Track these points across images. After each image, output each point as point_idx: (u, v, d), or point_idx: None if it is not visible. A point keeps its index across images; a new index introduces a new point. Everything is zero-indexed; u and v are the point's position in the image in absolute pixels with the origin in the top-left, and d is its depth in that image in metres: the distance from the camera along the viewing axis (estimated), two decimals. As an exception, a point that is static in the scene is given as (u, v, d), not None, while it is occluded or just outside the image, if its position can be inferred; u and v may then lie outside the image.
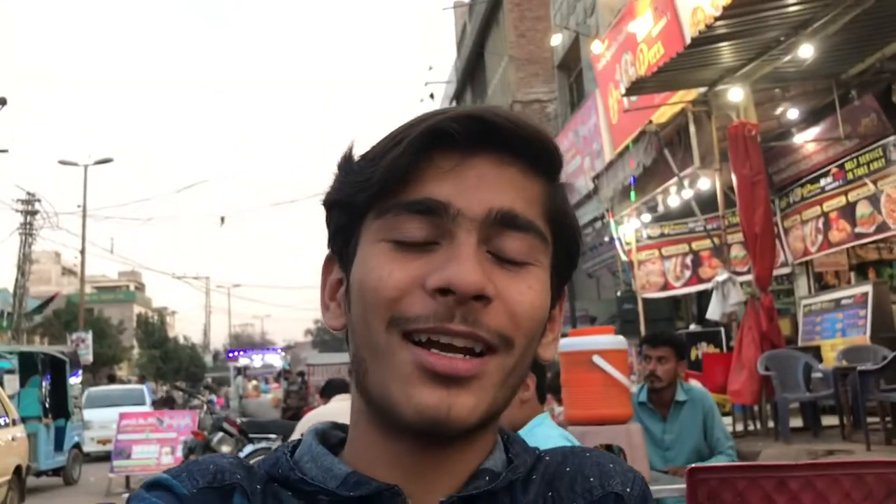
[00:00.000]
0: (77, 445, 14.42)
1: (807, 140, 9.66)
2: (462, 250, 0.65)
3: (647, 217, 11.85)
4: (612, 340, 3.09)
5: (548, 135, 0.70)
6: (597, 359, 3.00)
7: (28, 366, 13.68)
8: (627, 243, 12.08)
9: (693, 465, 1.98)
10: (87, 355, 25.30)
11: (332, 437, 0.76)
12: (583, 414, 3.05)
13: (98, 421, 16.52)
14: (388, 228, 0.67)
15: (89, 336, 27.65)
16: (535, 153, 0.69)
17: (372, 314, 0.66)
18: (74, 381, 15.06)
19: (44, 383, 13.89)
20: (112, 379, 25.94)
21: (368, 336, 0.66)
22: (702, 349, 10.08)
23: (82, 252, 29.98)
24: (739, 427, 8.49)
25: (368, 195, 0.68)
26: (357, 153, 0.72)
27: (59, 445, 13.58)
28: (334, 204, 0.73)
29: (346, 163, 0.72)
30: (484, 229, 0.66)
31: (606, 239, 12.99)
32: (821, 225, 9.94)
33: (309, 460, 0.71)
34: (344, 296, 0.72)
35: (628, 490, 0.72)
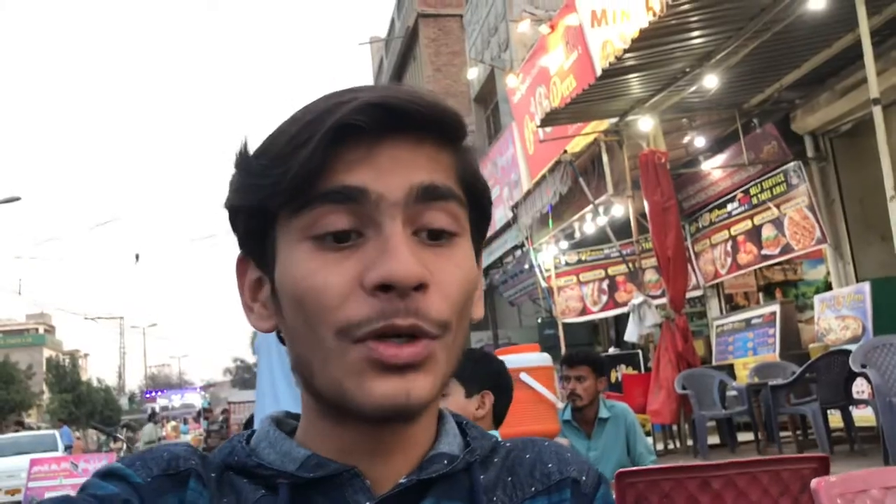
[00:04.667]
0: (-16, 497, 13.74)
1: (713, 167, 10.08)
2: (393, 241, 0.64)
3: (564, 244, 12.12)
4: (538, 358, 3.19)
5: (451, 108, 0.70)
6: (524, 376, 3.08)
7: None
8: (546, 270, 12.31)
9: (621, 470, 2.06)
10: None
11: (286, 424, 0.76)
12: (512, 431, 3.11)
13: (6, 470, 15.75)
14: (307, 225, 0.65)
15: (-6, 382, 26.45)
16: (442, 127, 0.68)
17: (317, 324, 0.65)
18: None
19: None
20: (21, 425, 24.83)
21: (315, 342, 0.66)
22: (621, 371, 10.32)
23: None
24: (660, 446, 8.70)
25: (281, 200, 0.66)
26: (252, 148, 0.70)
27: (-36, 497, 12.92)
28: (243, 209, 0.70)
29: (245, 161, 0.69)
30: (407, 210, 0.66)
31: (526, 266, 13.20)
32: (729, 248, 10.34)
33: (266, 446, 0.71)
34: (270, 298, 0.71)
35: (584, 478, 0.74)
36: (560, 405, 3.47)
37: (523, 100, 12.46)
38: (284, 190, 0.65)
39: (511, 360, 3.18)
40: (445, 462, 0.70)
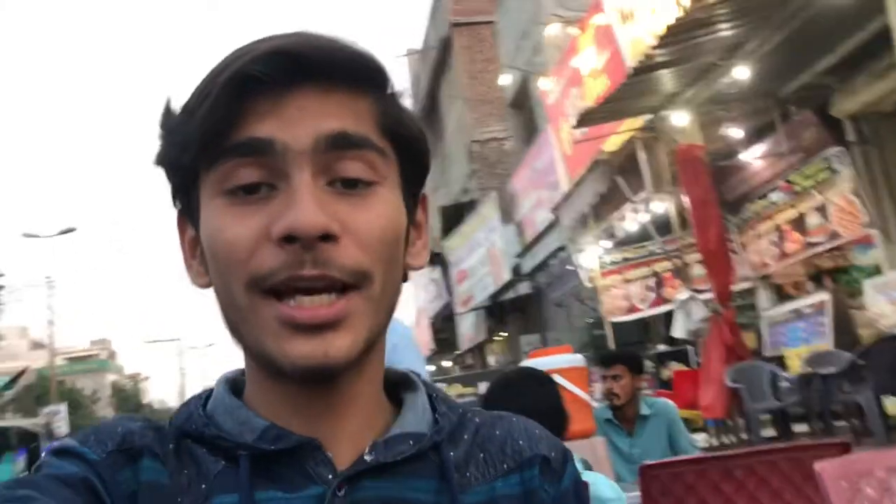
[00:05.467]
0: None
1: (753, 157, 9.97)
2: (297, 191, 0.63)
3: (607, 243, 12.08)
4: (570, 359, 3.24)
5: (362, 50, 0.67)
6: (557, 377, 3.13)
7: (1, 442, 13.54)
8: (591, 270, 12.29)
9: (644, 463, 2.11)
10: (62, 428, 24.88)
11: (241, 382, 0.74)
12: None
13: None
14: (219, 180, 0.65)
15: (63, 408, 27.18)
16: (353, 73, 0.66)
17: (228, 277, 0.65)
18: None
19: (19, 458, 13.73)
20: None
21: (230, 298, 0.65)
22: (672, 368, 10.25)
23: (51, 324, 29.63)
24: (714, 441, 8.63)
25: (191, 155, 0.66)
26: (178, 106, 0.68)
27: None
28: (167, 165, 0.70)
29: (166, 119, 0.68)
30: (317, 160, 0.64)
31: (571, 268, 13.19)
32: (775, 238, 10.21)
33: (223, 412, 0.70)
34: (201, 255, 0.70)
35: (553, 454, 0.75)
36: (595, 405, 3.51)
37: (557, 102, 12.48)
38: (192, 144, 0.65)
39: (543, 362, 3.24)
40: (411, 443, 0.69)
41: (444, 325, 24.75)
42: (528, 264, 16.17)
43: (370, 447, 0.68)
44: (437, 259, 22.85)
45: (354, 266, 0.64)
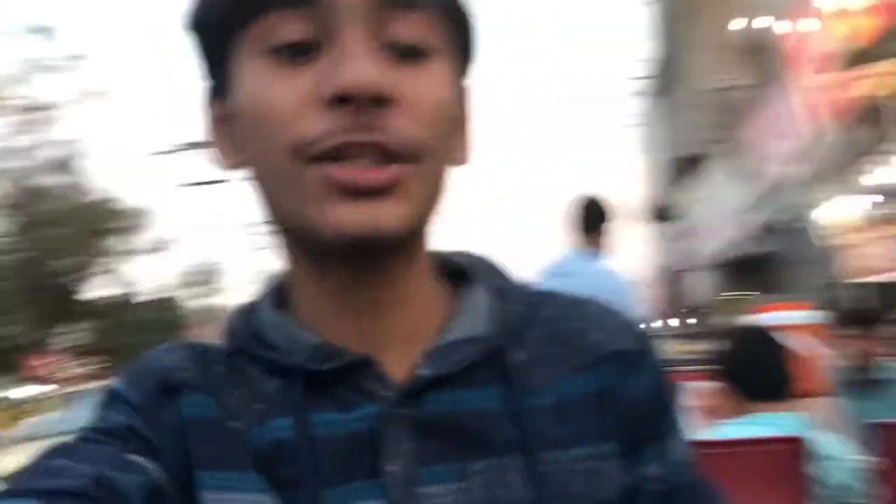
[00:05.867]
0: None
1: None
2: (350, 47, 0.56)
3: (854, 199, 11.27)
4: (805, 316, 3.17)
5: None
6: (787, 335, 3.09)
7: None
8: (835, 228, 11.54)
9: (876, 421, 2.09)
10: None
11: (287, 291, 0.68)
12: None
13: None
14: (261, 37, 0.58)
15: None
16: None
17: (270, 144, 0.58)
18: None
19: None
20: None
21: (270, 167, 0.59)
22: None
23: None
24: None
25: (231, 9, 0.60)
26: None
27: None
28: (197, 28, 0.64)
29: None
30: (371, 17, 0.57)
31: (812, 225, 12.45)
32: None
33: (271, 327, 0.65)
34: (233, 130, 0.64)
35: (633, 347, 0.67)
36: (829, 363, 3.41)
37: (799, 46, 11.71)
38: None
39: (776, 317, 3.20)
40: (470, 349, 0.63)
41: (673, 282, 24.26)
42: (765, 221, 15.42)
43: (426, 356, 0.63)
44: (668, 213, 22.34)
45: (410, 137, 0.57)
